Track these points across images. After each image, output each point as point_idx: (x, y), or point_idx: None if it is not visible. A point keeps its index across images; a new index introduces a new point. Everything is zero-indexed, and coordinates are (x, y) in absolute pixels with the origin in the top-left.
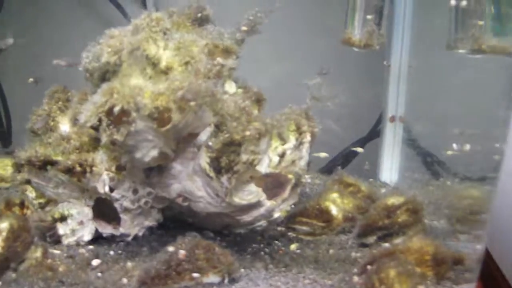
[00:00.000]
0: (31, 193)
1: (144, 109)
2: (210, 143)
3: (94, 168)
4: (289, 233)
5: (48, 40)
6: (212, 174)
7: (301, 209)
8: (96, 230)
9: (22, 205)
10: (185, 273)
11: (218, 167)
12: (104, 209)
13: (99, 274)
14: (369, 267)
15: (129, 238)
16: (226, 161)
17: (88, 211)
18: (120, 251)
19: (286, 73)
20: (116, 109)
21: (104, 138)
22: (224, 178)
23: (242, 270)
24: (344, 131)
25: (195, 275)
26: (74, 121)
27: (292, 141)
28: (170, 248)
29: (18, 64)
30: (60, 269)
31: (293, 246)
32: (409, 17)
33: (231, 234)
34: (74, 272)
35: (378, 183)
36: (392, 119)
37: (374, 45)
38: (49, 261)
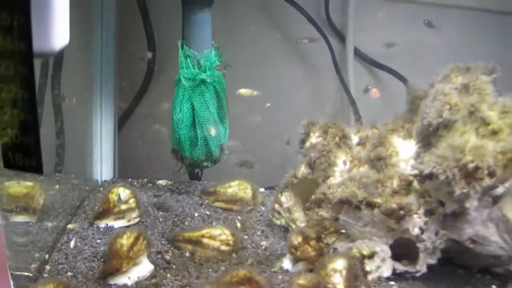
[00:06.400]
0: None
1: (489, 167)
2: None
3: (412, 213)
4: None
5: None
6: None
7: None
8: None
9: (318, 239)
10: None
11: None
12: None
13: None
14: None
15: (418, 275)
16: None
17: (387, 249)
18: None
19: None
20: (471, 166)
21: (457, 191)
22: None
23: None
24: None
25: None
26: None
27: None
28: None
29: None
30: None
31: None
32: None
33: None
34: None
35: None
36: None
37: None
38: None
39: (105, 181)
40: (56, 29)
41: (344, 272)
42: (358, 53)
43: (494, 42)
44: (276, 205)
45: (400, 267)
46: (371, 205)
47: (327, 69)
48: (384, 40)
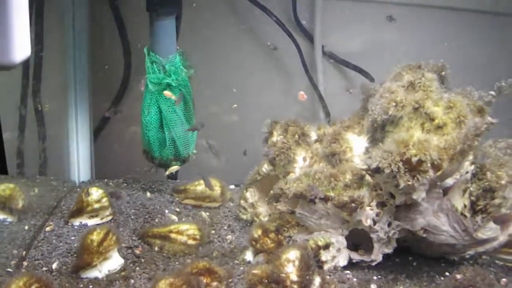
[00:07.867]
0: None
1: (432, 160)
2: (471, 189)
3: (364, 205)
4: (497, 262)
5: None
6: (467, 214)
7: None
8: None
9: (277, 232)
10: None
11: (473, 208)
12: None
13: None
14: None
15: (374, 264)
16: (483, 203)
17: (343, 240)
18: (380, 276)
19: None
20: (415, 159)
21: (401, 183)
22: (478, 218)
23: None
24: None
25: None
26: (331, 158)
27: None
28: (458, 276)
29: None
30: None
31: None
32: None
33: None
34: None
35: None
36: None
37: None
38: (332, 286)
39: (82, 182)
40: (16, 44)
41: (296, 262)
42: (326, 53)
43: (462, 40)
44: (242, 201)
45: (356, 257)
46: (324, 199)
47: (297, 69)
48: (352, 40)
